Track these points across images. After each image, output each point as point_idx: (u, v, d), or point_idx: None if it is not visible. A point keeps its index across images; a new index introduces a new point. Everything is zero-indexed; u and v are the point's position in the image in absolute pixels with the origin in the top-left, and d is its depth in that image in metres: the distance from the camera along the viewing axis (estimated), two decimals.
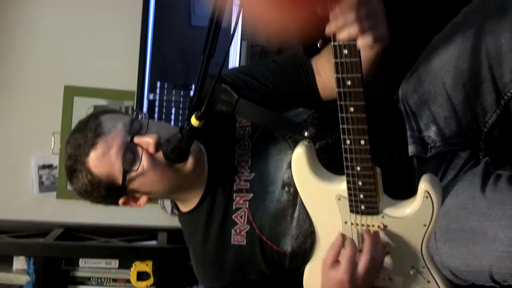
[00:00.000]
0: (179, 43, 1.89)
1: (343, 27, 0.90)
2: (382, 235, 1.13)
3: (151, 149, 1.12)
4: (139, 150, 1.13)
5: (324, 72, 1.25)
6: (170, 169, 1.14)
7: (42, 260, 1.95)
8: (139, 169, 1.13)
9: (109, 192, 1.18)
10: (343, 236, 1.15)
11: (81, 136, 1.15)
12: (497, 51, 1.09)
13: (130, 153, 1.13)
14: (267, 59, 1.43)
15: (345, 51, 0.93)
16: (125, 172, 1.13)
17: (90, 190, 1.18)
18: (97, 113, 1.20)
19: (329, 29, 0.92)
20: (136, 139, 1.13)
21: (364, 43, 0.91)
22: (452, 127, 1.18)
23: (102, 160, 1.13)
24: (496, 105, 1.14)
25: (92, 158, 1.14)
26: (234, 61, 1.84)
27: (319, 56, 1.27)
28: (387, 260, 1.16)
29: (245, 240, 1.23)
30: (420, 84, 1.20)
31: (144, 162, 1.13)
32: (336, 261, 1.11)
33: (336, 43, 0.93)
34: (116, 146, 1.13)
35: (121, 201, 1.22)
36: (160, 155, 1.12)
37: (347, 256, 1.09)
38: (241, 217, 1.24)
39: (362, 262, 1.08)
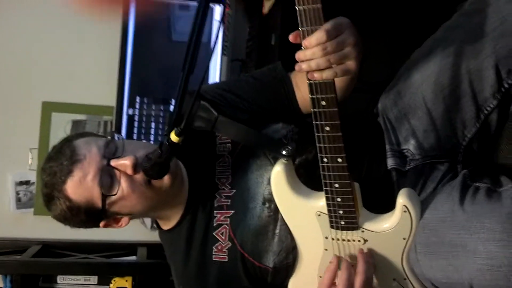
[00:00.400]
0: (159, 58, 1.90)
1: (311, 58, 0.92)
2: (363, 249, 1.13)
3: (129, 171, 1.11)
4: (117, 173, 1.11)
5: (303, 87, 1.25)
6: (149, 188, 1.13)
7: (19, 277, 1.92)
8: (118, 193, 1.11)
9: (89, 216, 1.16)
10: (339, 258, 1.15)
11: (56, 164, 1.13)
12: (478, 66, 1.11)
13: (107, 177, 1.11)
14: (246, 73, 1.43)
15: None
16: (104, 197, 1.12)
17: (69, 216, 1.16)
18: (71, 138, 1.18)
19: (298, 55, 0.93)
20: (113, 163, 1.11)
21: (327, 76, 0.93)
22: (431, 140, 1.19)
23: (79, 187, 1.11)
24: (476, 119, 1.16)
25: (70, 186, 1.12)
26: (214, 76, 1.85)
27: (297, 72, 1.27)
28: None
29: (227, 257, 1.23)
30: (400, 98, 1.22)
31: (124, 185, 1.11)
32: (332, 284, 1.11)
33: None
34: (93, 171, 1.11)
35: (102, 224, 1.20)
36: (138, 176, 1.11)
37: (343, 279, 1.09)
38: (222, 234, 1.23)
39: (358, 283, 1.09)
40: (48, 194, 1.15)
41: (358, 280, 1.09)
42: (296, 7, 0.89)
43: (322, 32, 0.90)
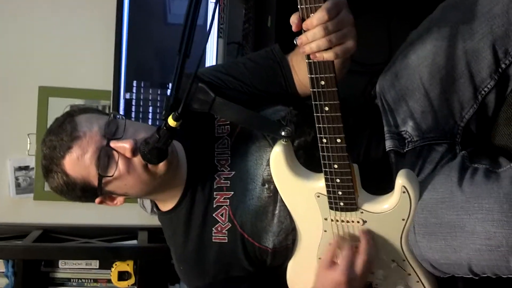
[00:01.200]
0: (155, 41, 1.87)
1: (313, 40, 0.91)
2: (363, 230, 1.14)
3: (128, 155, 1.11)
4: (115, 154, 1.11)
5: (300, 70, 1.25)
6: (146, 172, 1.13)
7: (21, 262, 1.93)
8: (115, 174, 1.12)
9: (85, 193, 1.17)
10: (341, 238, 1.15)
11: (56, 138, 1.13)
12: (474, 47, 1.11)
13: (105, 157, 1.11)
14: (244, 56, 1.42)
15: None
16: (101, 177, 1.12)
17: (65, 190, 1.17)
18: (73, 113, 1.18)
19: (300, 39, 0.93)
20: (112, 144, 1.11)
21: (329, 57, 0.92)
22: (429, 121, 1.19)
23: (77, 164, 1.12)
24: (474, 100, 1.16)
25: (67, 162, 1.12)
26: (211, 59, 1.83)
27: (294, 54, 1.27)
28: None
29: (227, 238, 1.23)
30: (397, 80, 1.21)
31: (121, 167, 1.12)
32: (333, 262, 1.12)
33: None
34: (91, 150, 1.11)
35: (97, 200, 1.21)
36: (136, 159, 1.11)
37: (345, 258, 1.10)
38: (222, 215, 1.23)
39: (359, 263, 1.10)
40: (46, 166, 1.16)
41: (360, 260, 1.10)
42: None
43: (323, 12, 0.89)
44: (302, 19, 0.91)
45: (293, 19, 0.92)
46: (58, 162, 1.13)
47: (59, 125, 1.16)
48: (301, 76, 1.26)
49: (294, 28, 0.92)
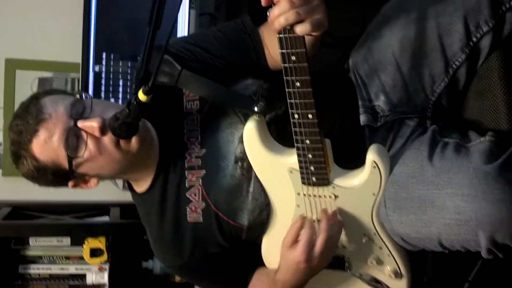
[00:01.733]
0: (124, 12, 1.83)
1: (281, 14, 0.89)
2: (333, 205, 1.14)
3: (97, 133, 1.08)
4: (84, 134, 1.09)
5: (271, 46, 1.23)
6: (117, 150, 1.11)
7: None
8: (85, 155, 1.09)
9: (56, 177, 1.15)
10: (303, 218, 1.16)
11: (22, 122, 1.11)
12: (446, 20, 1.11)
13: (74, 138, 1.09)
14: (214, 27, 1.39)
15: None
16: (70, 158, 1.10)
17: (36, 175, 1.15)
18: (38, 95, 1.16)
19: (269, 16, 0.91)
20: (80, 123, 1.09)
21: (301, 30, 0.91)
22: (400, 95, 1.19)
23: (45, 147, 1.10)
24: (445, 74, 1.16)
25: (35, 145, 1.10)
26: (182, 31, 1.80)
27: (266, 28, 1.24)
28: None
29: (201, 217, 1.22)
30: (370, 54, 1.20)
31: (91, 146, 1.09)
32: (295, 242, 1.12)
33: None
34: (58, 132, 1.09)
35: (70, 184, 1.19)
36: (106, 138, 1.09)
37: (304, 238, 1.10)
38: (195, 194, 1.22)
39: (319, 242, 1.10)
40: (15, 152, 1.14)
41: (320, 238, 1.10)
42: None
43: None
44: None
45: (263, 1, 0.90)
46: (26, 147, 1.11)
47: (24, 108, 1.13)
48: (272, 51, 1.23)
49: (263, 3, 0.90)
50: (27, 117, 1.10)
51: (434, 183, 1.05)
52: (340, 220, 1.15)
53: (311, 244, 1.10)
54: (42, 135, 1.09)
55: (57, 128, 1.09)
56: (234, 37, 1.26)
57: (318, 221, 1.15)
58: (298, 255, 1.10)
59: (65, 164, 1.11)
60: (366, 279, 1.24)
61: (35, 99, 1.14)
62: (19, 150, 1.12)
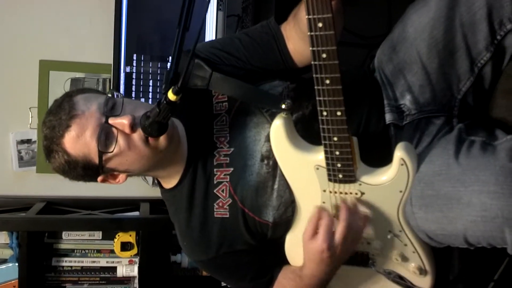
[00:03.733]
0: (154, 14, 1.86)
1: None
2: (360, 202, 1.15)
3: (127, 130, 1.11)
4: (114, 130, 1.12)
5: (292, 38, 1.23)
6: (147, 147, 1.14)
7: (25, 234, 1.95)
8: (115, 150, 1.12)
9: (87, 171, 1.18)
10: (321, 209, 1.16)
11: (55, 118, 1.14)
12: (471, 19, 1.11)
13: (105, 134, 1.12)
14: (241, 31, 1.41)
15: (320, 24, 0.92)
16: (101, 153, 1.13)
17: (67, 169, 1.18)
18: (71, 93, 1.19)
19: None
20: (111, 120, 1.12)
21: None
22: (426, 95, 1.20)
23: (77, 142, 1.13)
24: (470, 73, 1.16)
25: (67, 140, 1.13)
26: (210, 32, 1.82)
27: (287, 22, 1.24)
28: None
29: (228, 213, 1.25)
30: (395, 53, 1.21)
31: (121, 143, 1.12)
32: (314, 233, 1.13)
33: (310, 17, 0.93)
34: (90, 127, 1.12)
35: (99, 179, 1.22)
36: (136, 135, 1.12)
37: (323, 226, 1.11)
38: (222, 191, 1.25)
39: (339, 230, 1.10)
40: (47, 147, 1.17)
41: (340, 226, 1.11)
42: None
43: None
44: None
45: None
46: (58, 141, 1.14)
47: (58, 105, 1.16)
48: (294, 43, 1.23)
49: None
50: (60, 113, 1.13)
51: (460, 180, 1.05)
52: (364, 214, 1.15)
53: (330, 232, 1.11)
54: (74, 130, 1.12)
55: (89, 124, 1.12)
56: (259, 41, 1.27)
57: None
58: (320, 244, 1.10)
59: (96, 159, 1.14)
60: (390, 276, 1.24)
61: (68, 96, 1.17)
62: (51, 145, 1.15)
